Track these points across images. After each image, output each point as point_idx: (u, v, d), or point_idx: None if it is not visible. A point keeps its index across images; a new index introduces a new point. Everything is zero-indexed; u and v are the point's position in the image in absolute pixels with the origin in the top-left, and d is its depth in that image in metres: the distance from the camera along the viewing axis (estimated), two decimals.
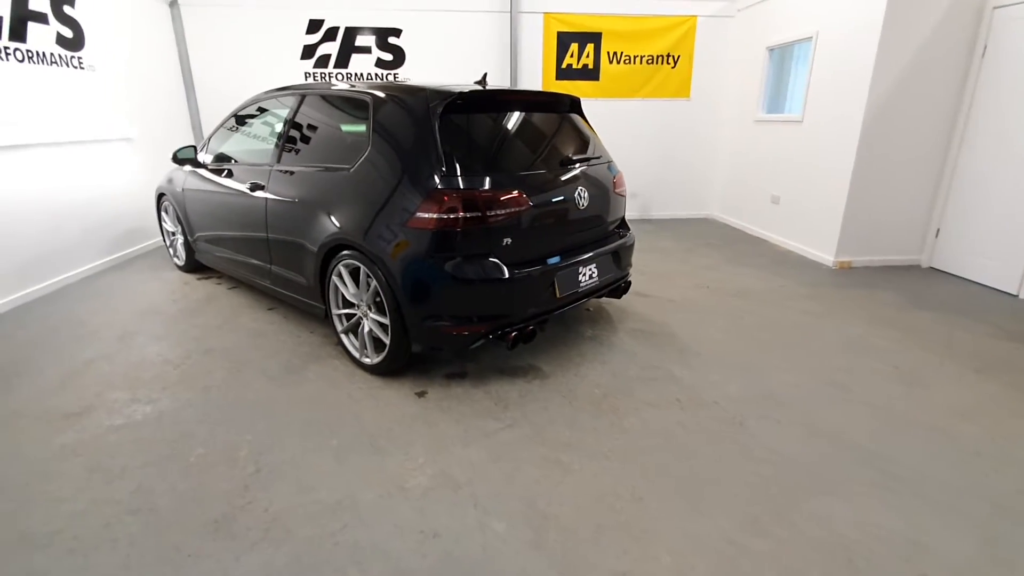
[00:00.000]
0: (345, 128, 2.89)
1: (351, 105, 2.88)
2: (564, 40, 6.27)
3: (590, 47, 6.33)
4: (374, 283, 2.57)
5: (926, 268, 4.84)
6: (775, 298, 4.01)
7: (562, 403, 2.51)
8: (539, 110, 2.96)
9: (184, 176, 4.09)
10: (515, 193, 2.44)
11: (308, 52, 6.06)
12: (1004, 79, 4.17)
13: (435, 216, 2.33)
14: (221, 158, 3.86)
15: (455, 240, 2.37)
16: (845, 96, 4.65)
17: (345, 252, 2.68)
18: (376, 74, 6.18)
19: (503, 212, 2.41)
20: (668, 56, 6.47)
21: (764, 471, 2.05)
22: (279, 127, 3.25)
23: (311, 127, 3.07)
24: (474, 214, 2.35)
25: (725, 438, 2.26)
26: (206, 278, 4.43)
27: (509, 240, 2.46)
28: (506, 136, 2.74)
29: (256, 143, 3.55)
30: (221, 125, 3.89)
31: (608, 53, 6.36)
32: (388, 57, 6.17)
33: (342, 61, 6.12)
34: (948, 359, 3.02)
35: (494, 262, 2.44)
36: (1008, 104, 4.15)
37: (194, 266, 4.49)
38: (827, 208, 4.90)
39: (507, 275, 2.43)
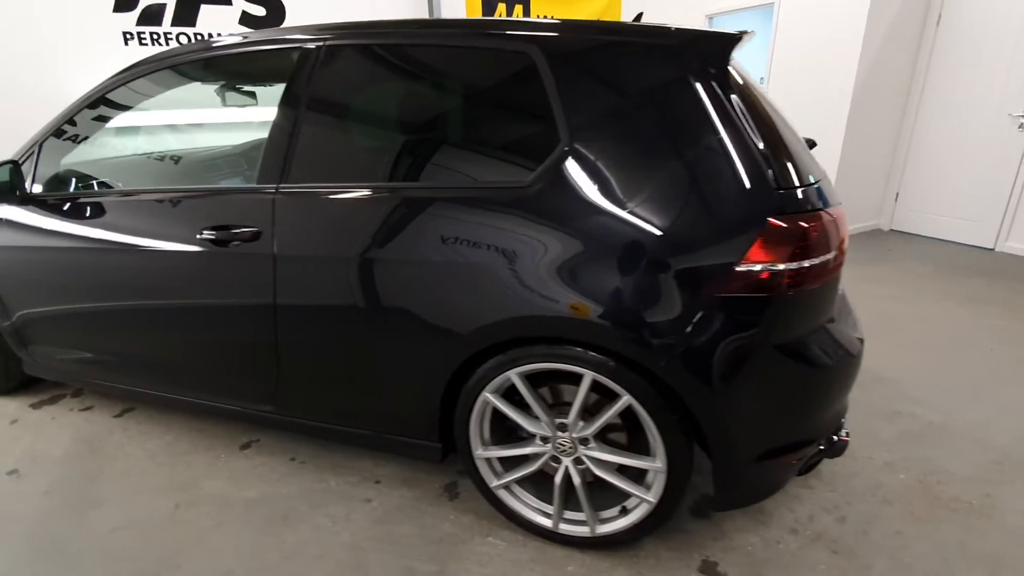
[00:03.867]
0: (478, 110, 1.51)
1: (491, 62, 1.49)
2: (491, 1, 5.12)
3: (518, 9, 5.30)
4: (620, 401, 1.35)
5: (887, 231, 5.06)
6: None
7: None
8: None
9: None
10: (836, 214, 1.43)
11: (126, 1, 3.87)
12: (956, 48, 4.40)
13: (781, 266, 1.23)
14: (93, 185, 2.05)
15: (811, 300, 1.31)
16: (827, 67, 4.51)
17: (516, 350, 1.40)
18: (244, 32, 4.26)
19: (841, 244, 1.40)
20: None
21: None
22: (283, 117, 1.62)
23: (377, 113, 1.59)
24: (827, 253, 1.30)
25: None
26: (51, 401, 2.41)
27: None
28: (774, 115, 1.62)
29: (216, 153, 1.88)
30: (65, 121, 1.99)
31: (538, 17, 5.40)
32: (259, 11, 4.29)
33: (185, 15, 4.05)
34: None
35: (842, 329, 1.43)
36: (960, 72, 4.39)
37: (18, 383, 2.43)
38: None
39: (858, 349, 1.45)
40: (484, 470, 1.60)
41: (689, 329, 1.25)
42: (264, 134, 1.68)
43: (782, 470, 1.41)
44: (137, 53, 4.02)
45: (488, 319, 1.39)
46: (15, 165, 1.93)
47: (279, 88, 2.06)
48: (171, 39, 4.08)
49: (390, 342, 1.53)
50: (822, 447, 1.45)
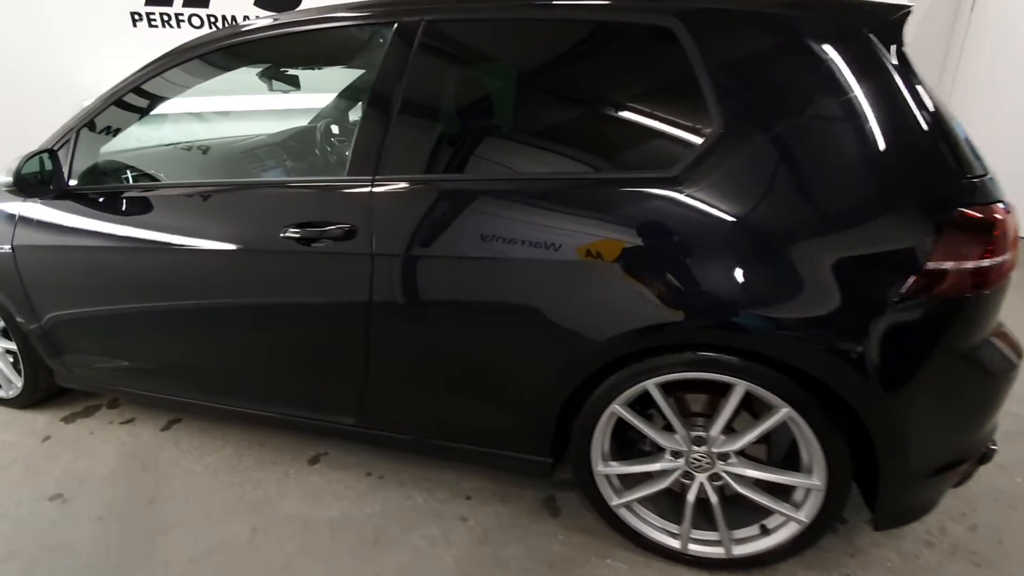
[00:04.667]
0: (612, 93, 1.35)
1: (625, 37, 1.33)
2: None
3: None
4: (777, 414, 1.23)
5: None
6: None
7: None
8: None
9: (12, 219, 1.86)
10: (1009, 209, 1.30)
11: None
12: (990, 35, 4.35)
13: (969, 264, 1.11)
14: (139, 178, 1.90)
15: (992, 303, 1.19)
16: None
17: (656, 357, 1.27)
18: (258, 14, 4.01)
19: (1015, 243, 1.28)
20: None
21: None
22: (376, 102, 1.43)
23: (492, 97, 1.42)
24: (1005, 253, 1.19)
25: None
26: (85, 413, 2.21)
27: None
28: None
29: (300, 145, 1.89)
30: (106, 106, 1.79)
31: None
32: None
33: None
34: None
35: (1007, 334, 1.32)
36: (994, 58, 4.35)
37: (46, 394, 2.22)
38: None
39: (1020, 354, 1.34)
40: (604, 487, 1.47)
41: (869, 334, 1.13)
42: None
43: (946, 483, 1.31)
44: (145, 35, 3.77)
45: (629, 325, 1.25)
46: (52, 154, 1.72)
47: (336, 71, 1.89)
48: (182, 21, 3.82)
49: (508, 350, 1.39)
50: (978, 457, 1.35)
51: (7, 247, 1.87)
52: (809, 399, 1.20)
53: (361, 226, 1.40)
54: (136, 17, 3.69)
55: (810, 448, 1.26)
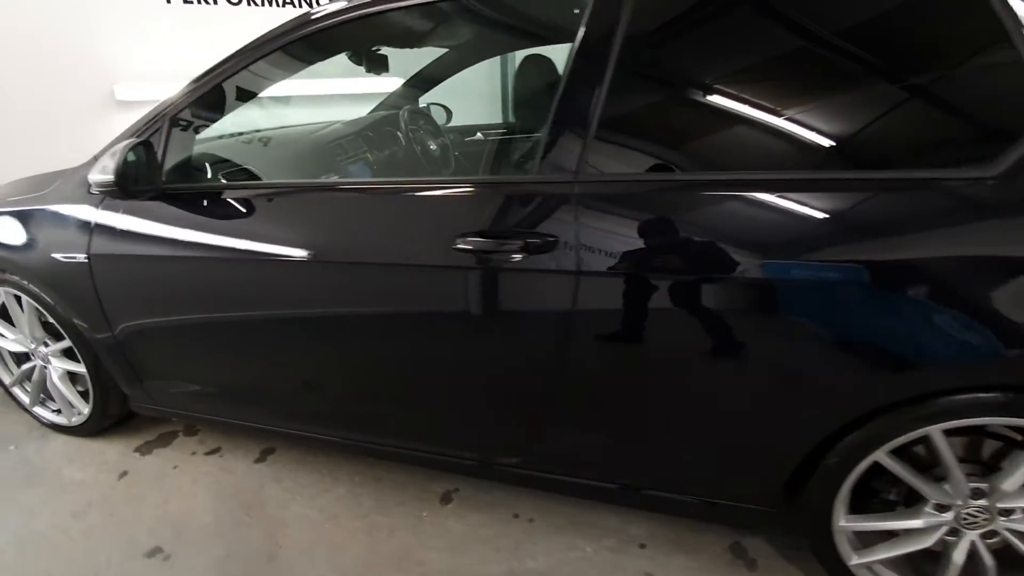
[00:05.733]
0: (906, 69, 1.07)
1: None
2: None
3: None
4: None
5: None
6: None
7: None
8: None
9: (87, 225, 1.56)
10: None
11: None
12: None
13: None
14: (238, 175, 1.65)
15: None
16: None
17: (946, 399, 1.02)
18: None
19: None
20: None
21: None
22: (578, 84, 1.13)
23: (742, 77, 1.13)
24: None
25: None
26: (161, 442, 1.93)
27: None
28: None
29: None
30: (206, 90, 1.47)
31: None
32: None
33: None
34: None
35: None
36: None
37: (114, 421, 1.94)
38: None
39: None
40: (842, 544, 1.24)
41: None
42: None
43: None
44: (180, 12, 3.43)
45: (929, 366, 1.02)
46: (148, 146, 1.42)
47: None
48: None
49: (759, 389, 1.14)
50: None
51: (81, 257, 1.58)
52: None
53: (562, 237, 1.14)
54: None
55: None
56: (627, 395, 1.24)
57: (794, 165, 1.11)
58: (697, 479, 1.33)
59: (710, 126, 1.19)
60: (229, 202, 1.48)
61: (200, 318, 1.57)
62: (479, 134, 2.82)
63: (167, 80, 3.23)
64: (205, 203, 1.49)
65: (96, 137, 3.23)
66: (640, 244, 1.11)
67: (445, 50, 2.46)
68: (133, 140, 1.37)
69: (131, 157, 1.35)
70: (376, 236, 1.34)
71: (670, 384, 1.21)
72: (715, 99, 1.17)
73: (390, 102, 2.71)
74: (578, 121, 1.15)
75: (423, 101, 2.73)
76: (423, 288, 1.29)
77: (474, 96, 2.87)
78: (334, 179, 1.68)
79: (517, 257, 1.16)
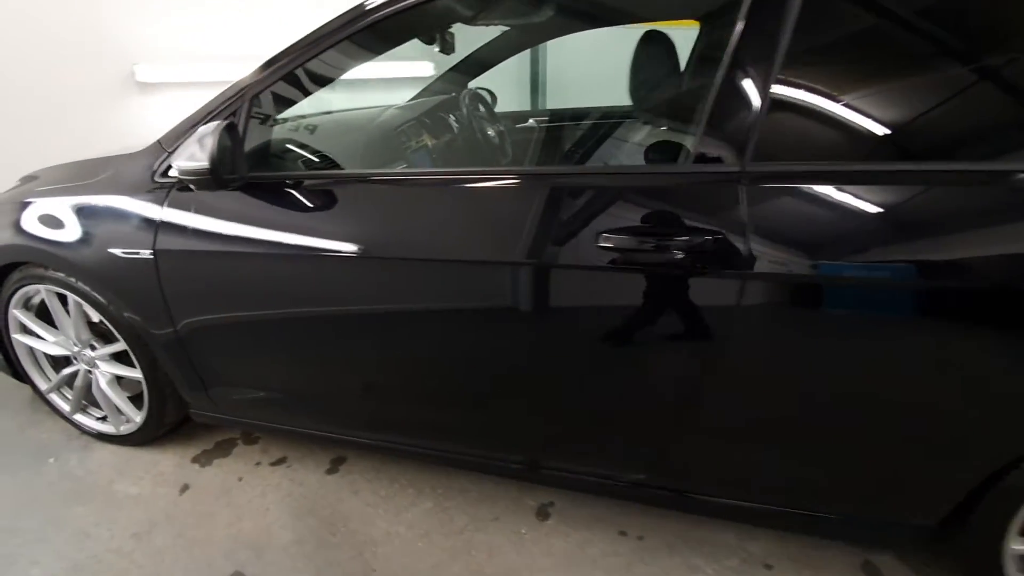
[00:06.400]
0: None
1: None
2: None
3: None
4: None
5: None
6: None
7: None
8: None
9: (151, 219, 1.41)
10: None
11: None
12: None
13: None
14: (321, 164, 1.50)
15: None
16: None
17: None
18: None
19: None
20: None
21: None
22: (746, 54, 1.00)
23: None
24: None
25: None
26: (220, 452, 1.78)
27: None
28: None
29: None
30: (292, 67, 1.31)
31: None
32: None
33: None
34: None
35: None
36: None
37: (169, 430, 1.79)
38: None
39: None
40: (1010, 567, 1.15)
41: None
42: None
43: None
44: None
45: None
46: (232, 129, 1.26)
47: None
48: None
49: (952, 402, 1.03)
50: None
51: (146, 253, 1.42)
52: None
53: (728, 234, 1.02)
54: None
55: None
56: (806, 412, 1.12)
57: None
58: (852, 496, 1.22)
59: (924, 106, 1.01)
60: (313, 192, 1.34)
61: (277, 318, 1.43)
62: (531, 120, 2.68)
63: (194, 60, 3.08)
64: (288, 193, 1.34)
65: (114, 122, 3.06)
66: (831, 243, 0.99)
67: (501, 32, 2.32)
68: (221, 122, 1.21)
69: (226, 142, 1.19)
70: (491, 233, 1.21)
71: (867, 399, 1.08)
72: (933, 74, 1.00)
73: (435, 88, 2.56)
74: (745, 101, 1.03)
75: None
76: (558, 289, 1.16)
77: (499, 83, 2.71)
78: (439, 168, 1.53)
79: (674, 257, 1.04)
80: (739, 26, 1.02)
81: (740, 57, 1.03)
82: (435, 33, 1.81)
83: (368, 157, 1.82)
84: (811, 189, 1.01)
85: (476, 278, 1.23)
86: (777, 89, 1.01)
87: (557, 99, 4.21)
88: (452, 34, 1.96)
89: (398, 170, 1.60)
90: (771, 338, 1.07)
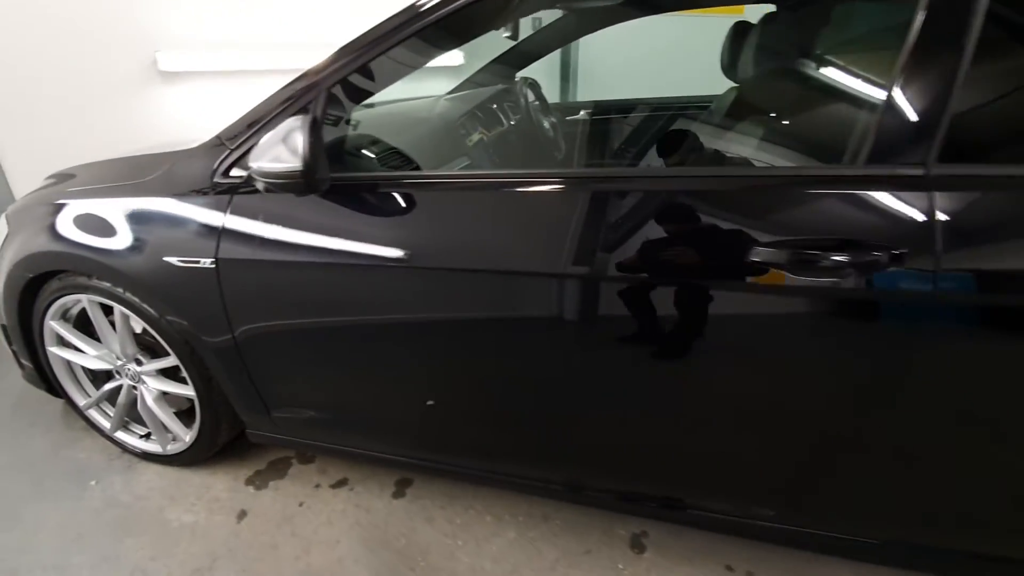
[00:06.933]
0: None
1: None
2: None
3: None
4: None
5: None
6: None
7: None
8: None
9: (214, 226, 1.26)
10: None
11: None
12: None
13: None
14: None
15: None
16: None
17: None
18: None
19: None
20: None
21: None
22: (932, 39, 0.86)
23: None
24: None
25: None
26: (275, 472, 1.65)
27: None
28: None
29: None
30: (370, 56, 1.16)
31: None
32: None
33: None
34: None
35: None
36: None
37: (217, 449, 1.65)
38: None
39: None
40: None
41: None
42: None
43: None
44: None
45: None
46: (316, 126, 1.10)
47: None
48: None
49: None
50: None
51: (207, 262, 1.28)
52: None
53: (915, 249, 0.88)
54: None
55: None
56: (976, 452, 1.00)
57: None
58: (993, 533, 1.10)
59: None
60: (395, 196, 1.19)
61: (355, 335, 1.29)
62: (582, 112, 2.53)
63: (218, 48, 2.91)
64: (370, 197, 1.19)
65: (136, 113, 2.89)
66: None
67: (552, 20, 2.16)
68: (306, 117, 1.06)
69: (317, 140, 1.05)
70: (609, 243, 1.07)
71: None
72: None
73: (477, 79, 2.40)
74: (930, 94, 0.88)
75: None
76: (716, 310, 1.02)
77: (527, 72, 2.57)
78: (542, 169, 1.37)
79: (845, 273, 0.91)
80: (924, 11, 0.87)
81: (925, 45, 0.88)
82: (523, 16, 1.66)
83: (436, 153, 1.67)
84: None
85: (591, 295, 1.09)
86: (970, 81, 0.86)
87: (590, 90, 4.05)
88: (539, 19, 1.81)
89: (487, 171, 1.46)
90: (957, 365, 0.94)
